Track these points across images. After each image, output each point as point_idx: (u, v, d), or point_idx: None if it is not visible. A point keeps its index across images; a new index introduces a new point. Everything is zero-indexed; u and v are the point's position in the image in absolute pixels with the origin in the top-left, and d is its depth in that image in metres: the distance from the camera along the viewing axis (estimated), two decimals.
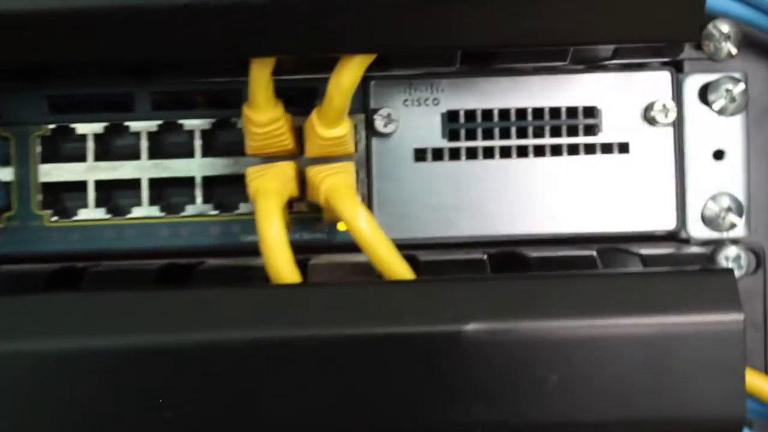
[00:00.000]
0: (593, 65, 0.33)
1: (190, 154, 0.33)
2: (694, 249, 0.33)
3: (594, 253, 0.30)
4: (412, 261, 0.30)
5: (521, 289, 0.27)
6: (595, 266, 0.30)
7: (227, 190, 0.33)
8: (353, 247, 0.30)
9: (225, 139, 0.33)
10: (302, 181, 0.31)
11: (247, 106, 0.29)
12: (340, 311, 0.26)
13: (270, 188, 0.29)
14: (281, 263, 0.28)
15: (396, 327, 0.26)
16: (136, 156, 0.33)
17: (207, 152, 0.33)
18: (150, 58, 0.28)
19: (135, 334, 0.26)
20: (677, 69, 0.33)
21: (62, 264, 0.31)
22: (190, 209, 0.33)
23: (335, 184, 0.29)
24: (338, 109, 0.29)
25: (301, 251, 0.32)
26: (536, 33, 0.26)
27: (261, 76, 0.28)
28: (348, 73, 0.28)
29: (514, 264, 0.31)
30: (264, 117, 0.29)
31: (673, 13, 0.26)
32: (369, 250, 0.28)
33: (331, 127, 0.29)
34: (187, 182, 0.33)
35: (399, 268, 0.28)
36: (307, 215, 0.33)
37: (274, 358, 0.25)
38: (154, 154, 0.33)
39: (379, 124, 0.32)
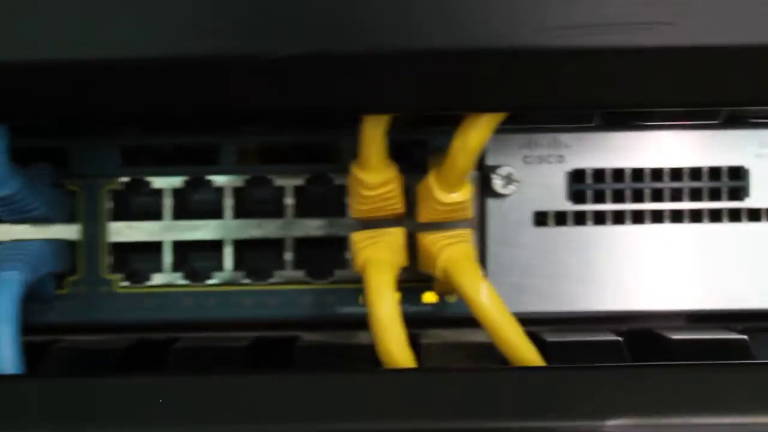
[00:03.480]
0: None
1: (279, 213, 0.35)
2: None
3: (746, 336, 0.32)
4: (536, 340, 0.32)
5: (669, 381, 0.29)
6: (747, 351, 0.32)
7: (319, 255, 0.35)
8: (464, 321, 0.32)
9: (318, 197, 0.35)
10: (410, 247, 0.34)
11: (357, 167, 0.31)
12: (467, 402, 0.28)
13: (382, 259, 0.31)
14: (395, 345, 0.30)
15: (530, 421, 0.28)
16: (218, 214, 0.35)
17: (298, 211, 0.35)
18: (253, 112, 0.30)
19: (236, 426, 0.28)
20: None
21: (137, 336, 0.34)
22: (278, 276, 0.35)
23: (455, 255, 0.31)
24: (462, 172, 0.31)
25: (405, 325, 0.34)
26: (699, 94, 0.29)
27: (375, 134, 0.31)
28: (476, 134, 0.30)
29: (652, 347, 0.33)
30: (377, 179, 0.31)
31: None
32: (493, 330, 0.30)
33: (452, 191, 0.31)
34: (276, 245, 0.35)
35: (526, 353, 0.31)
36: (409, 284, 0.35)
37: None
38: (239, 213, 0.35)
39: (497, 184, 0.34)
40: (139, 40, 0.27)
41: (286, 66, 0.28)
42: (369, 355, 0.31)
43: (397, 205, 0.32)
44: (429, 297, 0.35)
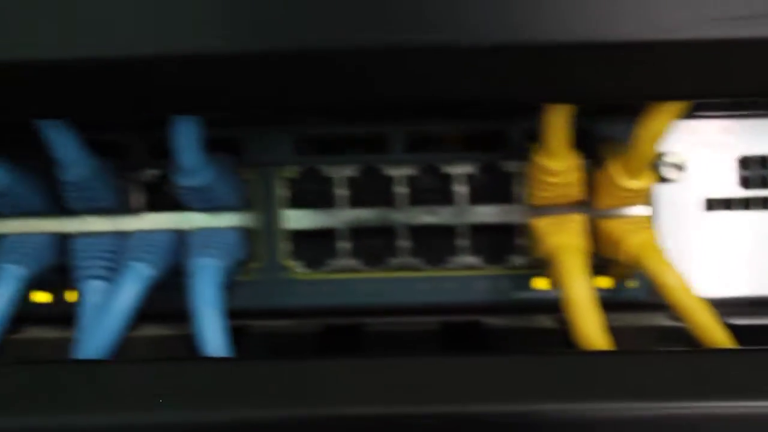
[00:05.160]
0: None
1: (452, 201, 0.36)
2: None
3: None
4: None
5: None
6: None
7: (494, 241, 0.37)
8: (639, 306, 0.33)
9: (490, 185, 0.37)
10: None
11: (541, 154, 0.33)
12: (670, 384, 0.29)
13: (572, 244, 0.33)
14: (592, 328, 0.31)
15: (730, 401, 0.29)
16: (391, 202, 0.36)
17: (472, 199, 0.36)
18: (424, 100, 0.31)
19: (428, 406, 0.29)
20: None
21: (324, 321, 0.35)
22: (454, 261, 0.36)
23: (644, 242, 0.33)
24: (646, 159, 0.32)
25: None
26: None
27: (560, 122, 0.32)
28: (662, 122, 0.31)
29: None
30: (561, 165, 0.33)
31: None
32: (687, 314, 0.32)
33: (635, 177, 0.33)
34: (451, 231, 0.37)
35: (719, 335, 0.32)
36: None
37: None
38: (412, 200, 0.36)
39: (667, 170, 0.35)
40: (323, 33, 0.28)
41: (477, 55, 0.29)
42: (554, 338, 0.32)
43: (578, 192, 0.33)
44: (604, 281, 0.36)
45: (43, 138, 0.32)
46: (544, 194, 0.33)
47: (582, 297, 0.31)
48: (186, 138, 0.31)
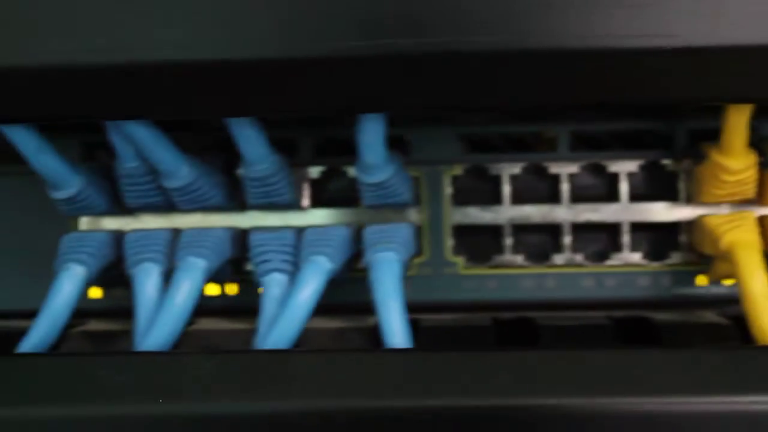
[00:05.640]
0: None
1: (614, 198, 0.37)
2: None
3: None
4: None
5: None
6: None
7: (657, 238, 0.37)
8: None
9: (652, 183, 0.37)
10: None
11: (719, 153, 0.34)
12: None
13: (750, 240, 0.33)
14: None
15: None
16: (555, 199, 0.37)
17: (633, 196, 0.37)
18: (615, 102, 0.32)
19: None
20: None
21: (491, 314, 0.36)
22: (615, 258, 0.37)
23: None
24: None
25: None
26: None
27: (739, 122, 0.33)
28: None
29: None
30: (739, 164, 0.33)
31: None
32: None
33: None
34: (612, 228, 0.37)
35: None
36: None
37: None
38: (574, 198, 0.37)
39: None
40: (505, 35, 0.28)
41: (674, 58, 0.29)
42: (725, 334, 0.33)
43: (751, 190, 0.34)
44: None
45: (231, 135, 0.33)
46: (718, 192, 0.34)
47: (760, 292, 0.32)
48: (373, 135, 0.32)
